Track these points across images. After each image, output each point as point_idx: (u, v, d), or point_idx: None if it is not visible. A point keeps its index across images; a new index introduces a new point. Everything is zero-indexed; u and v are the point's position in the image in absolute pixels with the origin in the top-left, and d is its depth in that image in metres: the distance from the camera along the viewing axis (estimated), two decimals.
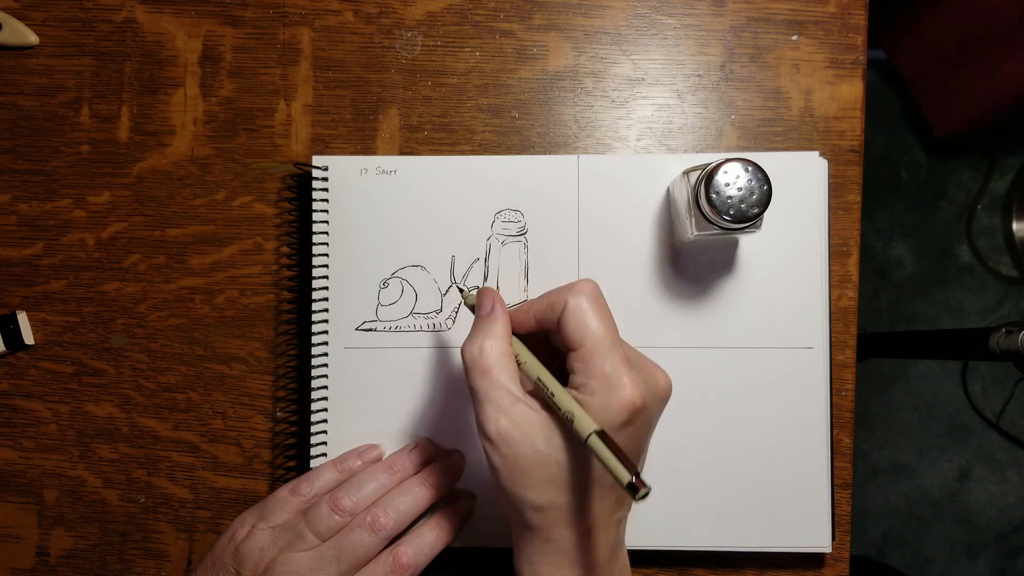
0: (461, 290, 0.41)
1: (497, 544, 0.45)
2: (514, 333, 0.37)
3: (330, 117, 0.48)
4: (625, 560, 0.37)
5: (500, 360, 0.34)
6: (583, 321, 0.33)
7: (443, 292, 0.45)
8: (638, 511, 0.44)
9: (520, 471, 0.33)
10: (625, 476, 0.29)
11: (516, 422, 0.33)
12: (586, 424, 0.31)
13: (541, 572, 0.35)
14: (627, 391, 0.32)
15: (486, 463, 0.35)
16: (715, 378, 0.44)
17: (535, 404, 0.34)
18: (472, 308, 0.39)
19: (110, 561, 0.48)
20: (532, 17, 0.48)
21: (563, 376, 0.35)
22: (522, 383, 0.35)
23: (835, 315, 0.46)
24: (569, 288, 0.35)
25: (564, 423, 0.33)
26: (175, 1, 0.48)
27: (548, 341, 0.38)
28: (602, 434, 0.30)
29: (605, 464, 0.30)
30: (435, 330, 0.45)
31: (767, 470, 0.44)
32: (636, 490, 0.29)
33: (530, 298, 0.43)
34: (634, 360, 0.34)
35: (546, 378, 0.34)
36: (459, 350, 0.45)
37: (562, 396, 0.33)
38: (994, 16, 1.00)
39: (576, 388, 0.33)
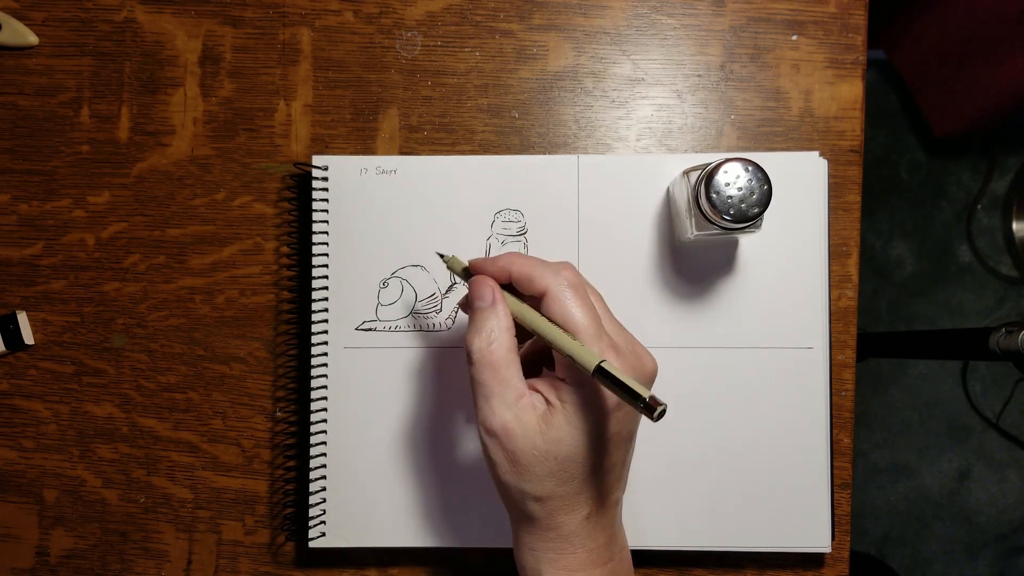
0: (442, 256, 0.40)
1: (497, 544, 0.45)
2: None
3: (330, 117, 0.48)
4: (624, 540, 0.38)
5: (508, 355, 0.34)
6: (566, 310, 0.34)
7: (443, 292, 0.45)
8: (638, 511, 0.44)
9: (521, 466, 0.34)
10: (642, 394, 0.30)
11: (519, 418, 0.33)
12: (589, 358, 0.32)
13: (544, 559, 0.35)
14: None
15: (483, 457, 0.35)
16: (715, 378, 0.44)
17: (537, 401, 0.34)
18: (458, 273, 0.39)
19: (110, 561, 0.48)
20: (532, 17, 0.47)
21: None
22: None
23: (835, 315, 0.46)
24: (552, 271, 0.35)
25: (562, 409, 0.34)
26: (175, 1, 0.48)
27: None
28: (606, 364, 0.31)
29: (616, 389, 0.30)
30: (435, 330, 0.45)
31: (767, 470, 0.44)
32: (652, 409, 0.29)
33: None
34: (620, 346, 0.35)
35: (544, 327, 0.34)
36: (459, 350, 0.45)
37: (561, 339, 0.33)
38: (994, 16, 1.00)
39: (563, 379, 0.34)
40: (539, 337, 0.35)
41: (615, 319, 0.37)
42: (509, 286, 0.37)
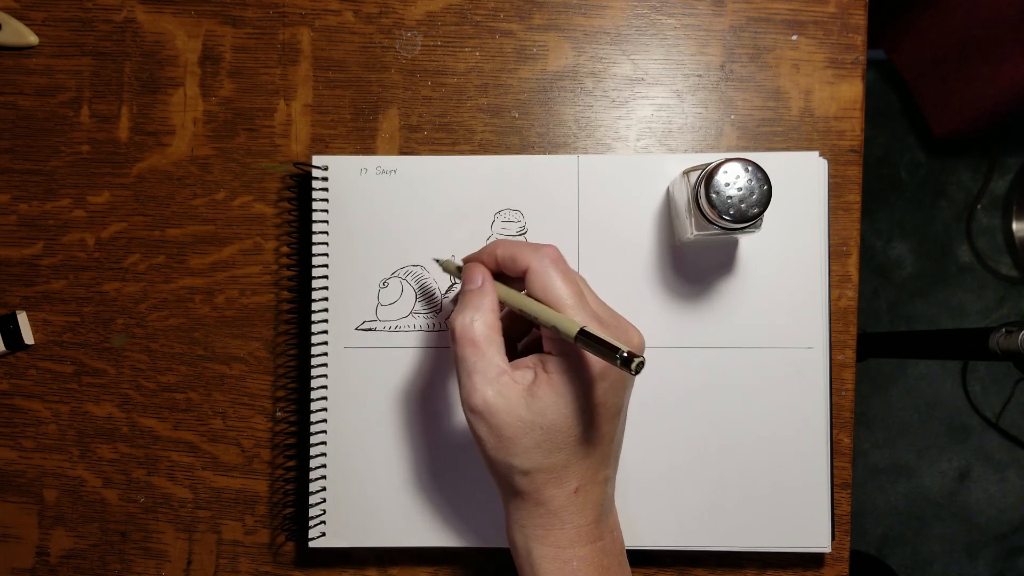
0: (438, 260, 0.42)
1: (497, 544, 0.45)
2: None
3: (330, 117, 0.48)
4: (615, 522, 0.38)
5: (489, 333, 0.35)
6: (547, 284, 0.35)
7: (443, 292, 0.45)
8: (638, 511, 0.44)
9: (506, 439, 0.34)
10: (620, 348, 0.30)
11: (501, 392, 0.34)
12: (570, 325, 0.32)
13: (533, 535, 0.36)
14: None
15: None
16: (715, 378, 0.44)
17: (518, 375, 0.35)
18: (453, 273, 0.41)
19: (110, 561, 0.48)
20: (532, 17, 0.47)
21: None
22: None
23: (835, 315, 0.46)
24: (534, 250, 0.36)
25: (548, 381, 0.34)
26: (175, 1, 0.48)
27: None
28: (586, 330, 0.31)
29: (597, 349, 0.31)
30: (435, 330, 0.45)
31: (767, 470, 0.44)
32: (630, 361, 0.29)
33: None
34: (604, 318, 0.35)
35: (527, 304, 0.35)
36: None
37: (545, 312, 0.34)
38: (994, 16, 1.00)
39: (549, 352, 0.35)
40: (526, 315, 0.35)
41: (599, 298, 0.38)
42: (500, 275, 0.38)
